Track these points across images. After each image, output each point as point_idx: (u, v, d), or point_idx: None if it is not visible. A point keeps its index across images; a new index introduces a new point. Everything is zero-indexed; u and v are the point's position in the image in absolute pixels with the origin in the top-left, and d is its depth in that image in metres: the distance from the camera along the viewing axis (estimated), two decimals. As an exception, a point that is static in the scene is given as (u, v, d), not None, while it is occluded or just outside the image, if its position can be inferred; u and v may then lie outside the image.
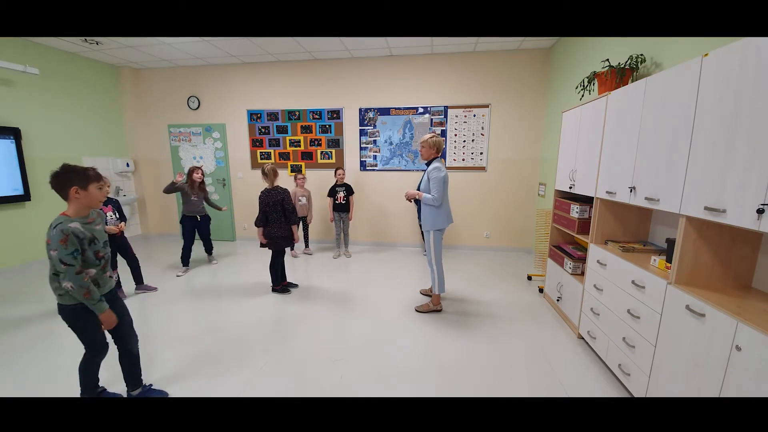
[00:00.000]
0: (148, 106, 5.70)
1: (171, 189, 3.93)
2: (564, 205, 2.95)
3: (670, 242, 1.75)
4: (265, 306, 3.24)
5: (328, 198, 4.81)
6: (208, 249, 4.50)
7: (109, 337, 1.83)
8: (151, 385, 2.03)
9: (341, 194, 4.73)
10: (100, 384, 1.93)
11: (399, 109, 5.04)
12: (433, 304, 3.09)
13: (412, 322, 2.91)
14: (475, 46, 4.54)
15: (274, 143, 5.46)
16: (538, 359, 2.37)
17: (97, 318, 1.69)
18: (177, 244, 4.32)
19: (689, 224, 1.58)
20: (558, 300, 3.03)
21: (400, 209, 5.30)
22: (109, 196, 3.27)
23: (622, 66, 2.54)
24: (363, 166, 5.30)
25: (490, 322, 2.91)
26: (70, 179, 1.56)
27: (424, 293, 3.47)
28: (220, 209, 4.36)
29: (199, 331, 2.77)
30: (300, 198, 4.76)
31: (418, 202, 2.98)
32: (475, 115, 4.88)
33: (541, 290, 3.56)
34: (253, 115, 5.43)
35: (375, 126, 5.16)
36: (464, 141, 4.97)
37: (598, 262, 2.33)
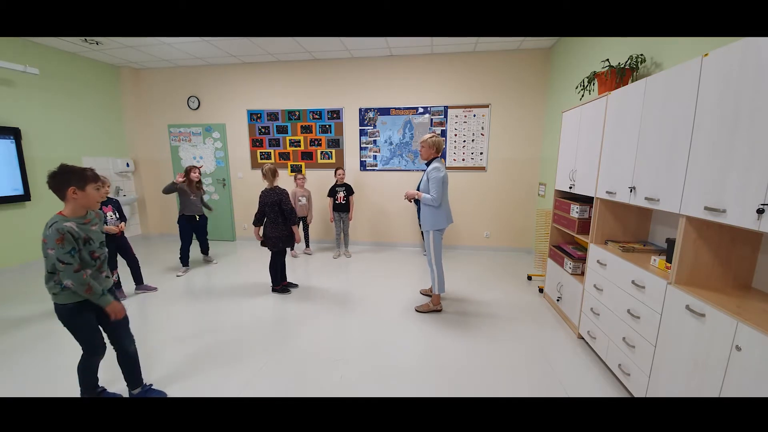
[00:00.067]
0: (148, 106, 5.70)
1: (171, 189, 3.93)
2: (564, 205, 2.95)
3: (670, 242, 1.75)
4: (265, 306, 3.24)
5: (328, 198, 4.81)
6: (204, 250, 4.49)
7: (106, 337, 1.83)
8: (151, 385, 2.02)
9: (341, 194, 4.73)
10: (100, 384, 1.93)
11: (399, 109, 5.04)
12: (433, 304, 3.09)
13: (412, 322, 2.91)
14: (475, 46, 4.54)
15: (274, 143, 5.46)
16: (538, 359, 2.37)
17: (93, 318, 1.69)
18: (177, 244, 4.32)
19: (689, 224, 1.58)
20: (558, 300, 3.03)
21: (400, 209, 5.30)
22: (109, 196, 3.27)
23: (622, 66, 2.54)
24: (363, 166, 5.30)
25: (490, 322, 2.91)
26: (67, 179, 1.56)
27: (424, 293, 3.47)
28: (210, 210, 4.35)
29: (199, 331, 2.77)
30: (300, 198, 4.76)
31: (417, 202, 2.98)
32: (475, 115, 4.88)
33: (541, 290, 3.56)
34: (253, 115, 5.43)
35: (375, 126, 5.16)
36: (464, 141, 4.97)
37: (598, 262, 2.33)
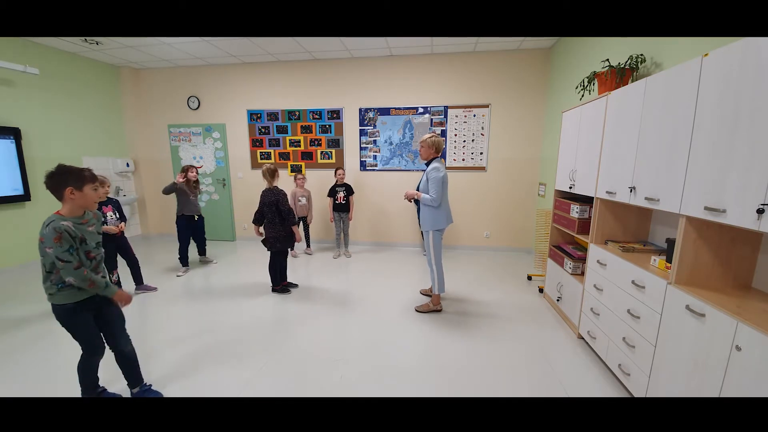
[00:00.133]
0: (148, 106, 5.70)
1: (171, 189, 3.93)
2: (564, 205, 2.95)
3: (670, 242, 1.75)
4: (265, 306, 3.24)
5: (328, 198, 4.81)
6: (202, 251, 4.49)
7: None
8: (150, 385, 2.02)
9: (341, 194, 4.73)
10: (100, 384, 1.93)
11: (399, 109, 5.04)
12: (433, 304, 3.09)
13: (412, 322, 2.91)
14: (475, 46, 4.54)
15: (274, 143, 5.46)
16: (538, 359, 2.37)
17: (91, 318, 1.70)
18: (177, 244, 4.32)
19: (689, 224, 1.58)
20: (558, 300, 3.03)
21: (400, 209, 5.30)
22: (109, 196, 3.27)
23: (622, 66, 2.54)
24: (363, 166, 5.30)
25: (490, 322, 2.91)
26: (65, 180, 1.56)
27: (424, 293, 3.47)
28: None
29: (199, 331, 2.77)
30: (300, 198, 4.77)
31: (417, 202, 2.98)
32: (475, 115, 4.88)
33: (541, 290, 3.56)
34: (253, 115, 5.43)
35: (375, 126, 5.15)
36: (464, 141, 4.97)
37: (598, 262, 2.33)
